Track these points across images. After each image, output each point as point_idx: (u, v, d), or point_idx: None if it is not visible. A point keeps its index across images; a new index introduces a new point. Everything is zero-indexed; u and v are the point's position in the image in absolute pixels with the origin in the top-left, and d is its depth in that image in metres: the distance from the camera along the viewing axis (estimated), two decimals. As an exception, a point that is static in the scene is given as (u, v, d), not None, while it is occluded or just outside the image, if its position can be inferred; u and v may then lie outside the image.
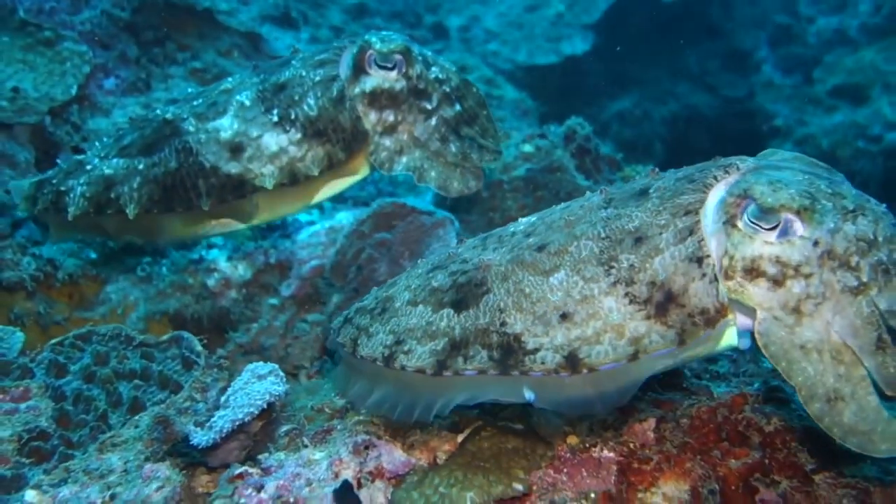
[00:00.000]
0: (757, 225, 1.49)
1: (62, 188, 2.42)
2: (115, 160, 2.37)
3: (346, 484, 1.67)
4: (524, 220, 1.94)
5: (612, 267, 1.60)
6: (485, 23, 7.77)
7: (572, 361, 1.57)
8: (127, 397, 2.03)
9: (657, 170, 1.82)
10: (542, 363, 1.60)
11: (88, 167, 2.42)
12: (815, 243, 1.46)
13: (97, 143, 2.57)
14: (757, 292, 1.49)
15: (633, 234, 1.61)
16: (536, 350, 1.61)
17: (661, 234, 1.58)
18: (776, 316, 1.48)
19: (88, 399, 1.99)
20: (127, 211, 2.29)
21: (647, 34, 8.62)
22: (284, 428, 2.00)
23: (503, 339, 1.65)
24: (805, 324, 1.47)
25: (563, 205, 1.94)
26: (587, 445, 1.82)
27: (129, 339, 2.19)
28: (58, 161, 3.43)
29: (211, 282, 3.23)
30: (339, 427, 1.97)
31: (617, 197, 1.74)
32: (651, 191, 1.69)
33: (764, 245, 1.49)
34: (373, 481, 1.77)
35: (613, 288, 1.58)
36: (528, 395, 1.63)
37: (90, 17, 3.78)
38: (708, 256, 1.54)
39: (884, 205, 1.52)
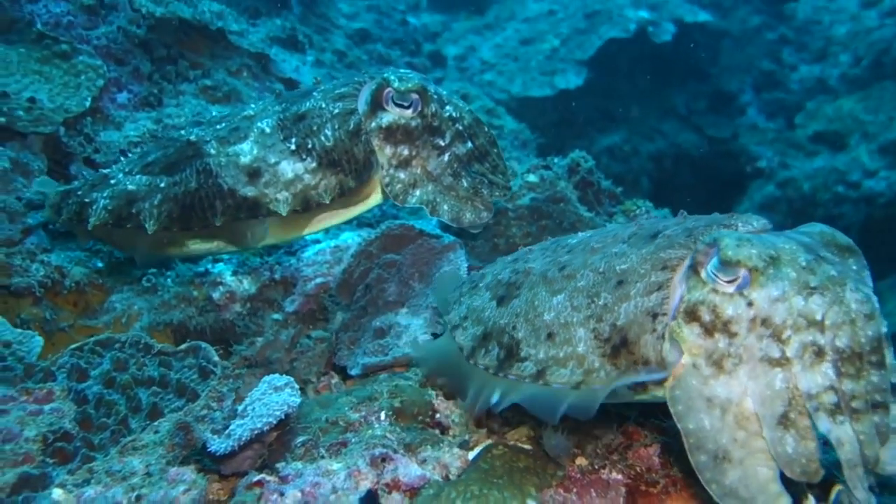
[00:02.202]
0: (716, 275, 1.50)
1: (86, 199, 2.48)
2: (138, 176, 2.45)
3: (370, 493, 1.73)
4: (581, 234, 2.05)
5: (593, 301, 1.68)
6: (481, 53, 7.94)
7: (540, 376, 1.69)
8: (146, 403, 2.07)
9: (685, 213, 1.84)
10: (521, 371, 1.72)
11: (112, 181, 2.49)
12: (750, 304, 1.46)
13: (122, 159, 2.64)
14: (689, 335, 1.50)
15: (618, 276, 1.67)
16: (525, 359, 1.73)
17: (636, 282, 1.64)
18: (696, 364, 1.49)
19: (110, 403, 2.04)
20: (146, 226, 2.35)
21: (638, 73, 8.83)
22: (301, 439, 2.06)
23: (511, 342, 1.77)
24: (721, 380, 1.46)
25: (611, 227, 2.03)
26: (596, 467, 1.90)
27: (147, 347, 2.24)
28: (70, 171, 3.52)
29: (216, 295, 3.27)
30: (353, 440, 2.04)
31: (638, 234, 1.79)
32: (659, 237, 1.72)
33: (711, 292, 1.50)
34: (390, 493, 1.83)
35: (587, 321, 1.66)
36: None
37: (106, 33, 3.85)
38: (665, 315, 1.56)
39: (873, 299, 1.43)
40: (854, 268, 1.48)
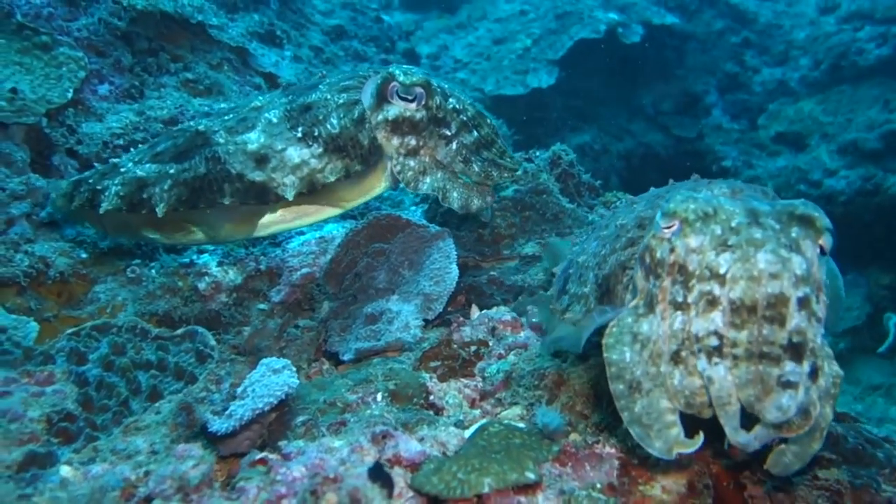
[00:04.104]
0: (660, 224, 1.61)
1: (98, 187, 2.55)
2: (148, 165, 2.52)
3: (378, 464, 1.78)
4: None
5: (603, 249, 1.97)
6: (453, 52, 8.00)
7: (564, 312, 2.04)
8: (146, 386, 2.10)
9: (697, 176, 1.99)
10: (560, 306, 2.08)
11: (123, 170, 2.55)
12: (672, 250, 1.57)
13: (132, 149, 2.72)
14: (639, 280, 1.66)
15: (617, 231, 1.92)
16: (566, 296, 2.07)
17: (622, 237, 1.89)
18: (637, 305, 1.62)
19: (110, 386, 2.06)
20: (157, 209, 2.41)
21: (608, 73, 8.97)
22: (300, 419, 2.10)
23: (566, 283, 2.09)
24: (648, 318, 1.58)
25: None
26: (590, 442, 1.97)
27: (144, 331, 2.27)
28: (53, 162, 3.51)
29: (201, 285, 3.28)
30: (352, 420, 2.08)
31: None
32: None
33: (652, 238, 1.64)
34: (392, 468, 1.88)
35: (596, 267, 1.96)
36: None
37: (87, 25, 3.84)
38: (631, 268, 1.78)
39: (791, 261, 1.49)
40: (793, 235, 1.54)
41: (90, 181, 2.60)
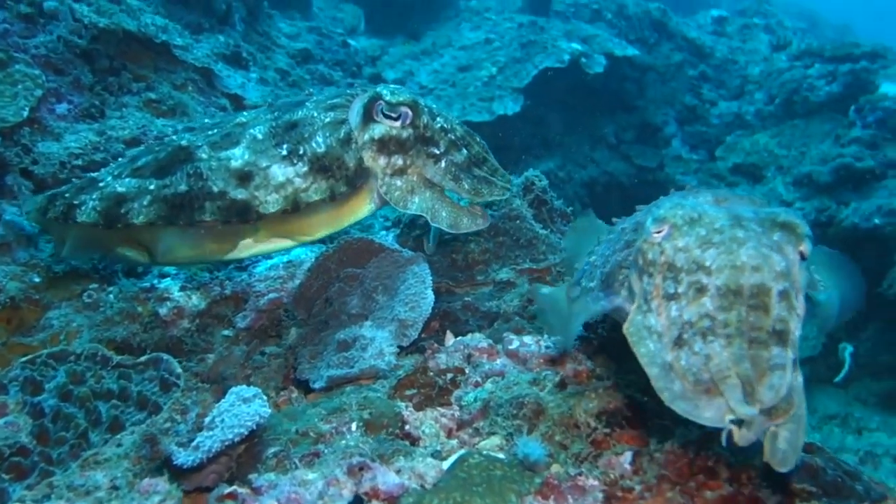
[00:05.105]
0: (651, 229, 1.73)
1: (75, 201, 2.47)
2: (127, 179, 2.44)
3: (357, 497, 1.70)
4: None
5: (607, 250, 2.09)
6: (419, 78, 8.00)
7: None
8: (107, 416, 1.98)
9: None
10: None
11: (101, 184, 2.48)
12: (662, 252, 1.70)
13: (112, 163, 2.64)
14: (634, 280, 1.79)
15: (618, 234, 2.07)
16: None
17: (621, 240, 2.01)
18: (639, 304, 1.72)
19: (68, 416, 1.94)
20: (135, 223, 2.36)
21: (572, 102, 9.05)
22: (271, 450, 2.00)
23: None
24: (651, 315, 1.70)
25: None
26: (572, 473, 1.91)
27: (105, 359, 2.15)
28: (6, 181, 3.36)
29: (163, 311, 3.16)
30: (326, 451, 1.99)
31: None
32: None
33: (644, 242, 1.75)
34: (369, 501, 1.80)
35: (602, 265, 2.07)
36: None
37: (45, 42, 3.72)
38: (627, 268, 1.89)
39: (770, 259, 1.60)
40: (775, 238, 1.65)
41: (66, 195, 2.51)
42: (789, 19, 14.08)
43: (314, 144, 2.38)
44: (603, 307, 1.90)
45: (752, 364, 1.53)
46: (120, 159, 2.65)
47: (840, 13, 20.67)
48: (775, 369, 1.52)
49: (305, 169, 2.36)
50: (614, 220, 2.25)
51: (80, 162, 3.50)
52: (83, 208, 2.43)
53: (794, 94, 10.62)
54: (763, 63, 12.22)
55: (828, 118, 10.08)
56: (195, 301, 3.21)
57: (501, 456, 2.03)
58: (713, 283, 1.60)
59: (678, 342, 1.61)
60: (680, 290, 1.64)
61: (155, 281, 3.28)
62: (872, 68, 10.02)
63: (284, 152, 2.37)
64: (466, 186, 2.49)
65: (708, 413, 1.56)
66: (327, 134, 2.39)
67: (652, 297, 1.69)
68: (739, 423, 1.54)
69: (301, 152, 2.37)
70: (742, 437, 1.52)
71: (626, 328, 1.70)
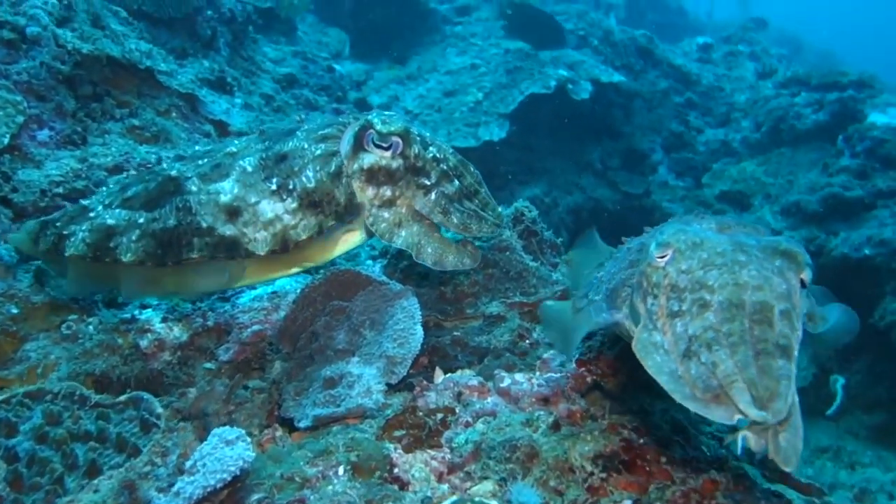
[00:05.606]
0: (654, 254, 1.79)
1: (65, 232, 2.42)
2: (117, 210, 2.39)
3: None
4: None
5: (612, 270, 2.16)
6: (404, 102, 7.97)
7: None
8: (84, 460, 1.90)
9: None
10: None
11: (92, 214, 2.43)
12: (666, 275, 1.75)
13: (104, 189, 2.59)
14: (637, 301, 1.85)
15: (624, 254, 2.16)
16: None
17: (625, 259, 2.11)
18: (644, 322, 1.77)
19: (43, 461, 1.85)
20: (123, 259, 2.31)
21: (558, 128, 9.05)
22: (255, 496, 1.92)
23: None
24: (656, 332, 1.73)
25: None
26: (567, 520, 1.85)
27: (83, 398, 2.07)
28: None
29: (143, 343, 3.07)
30: (312, 497, 1.92)
31: None
32: None
33: (648, 266, 1.81)
34: (357, 552, 1.72)
35: (607, 281, 2.13)
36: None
37: (27, 68, 3.64)
38: (629, 287, 1.98)
39: (772, 282, 1.65)
40: (776, 264, 1.70)
41: (58, 224, 2.46)
42: (774, 46, 14.24)
43: (304, 179, 2.32)
44: (605, 319, 1.98)
45: (763, 372, 1.55)
46: (111, 186, 2.59)
47: (823, 40, 20.93)
48: (782, 379, 1.55)
49: (295, 205, 2.31)
50: (624, 239, 2.26)
51: (61, 190, 3.41)
52: (72, 240, 2.38)
53: (781, 121, 10.69)
54: (749, 90, 12.31)
55: (815, 147, 10.12)
56: (177, 333, 3.13)
57: (494, 503, 1.97)
58: (716, 299, 1.65)
59: (686, 354, 1.65)
60: (684, 307, 1.69)
61: (136, 312, 3.20)
62: (860, 97, 10.08)
63: (274, 186, 2.31)
64: (455, 221, 2.42)
65: (719, 412, 1.59)
66: (317, 168, 2.32)
67: (657, 318, 1.74)
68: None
69: (290, 187, 2.31)
70: (757, 443, 1.55)
71: (634, 345, 1.74)
